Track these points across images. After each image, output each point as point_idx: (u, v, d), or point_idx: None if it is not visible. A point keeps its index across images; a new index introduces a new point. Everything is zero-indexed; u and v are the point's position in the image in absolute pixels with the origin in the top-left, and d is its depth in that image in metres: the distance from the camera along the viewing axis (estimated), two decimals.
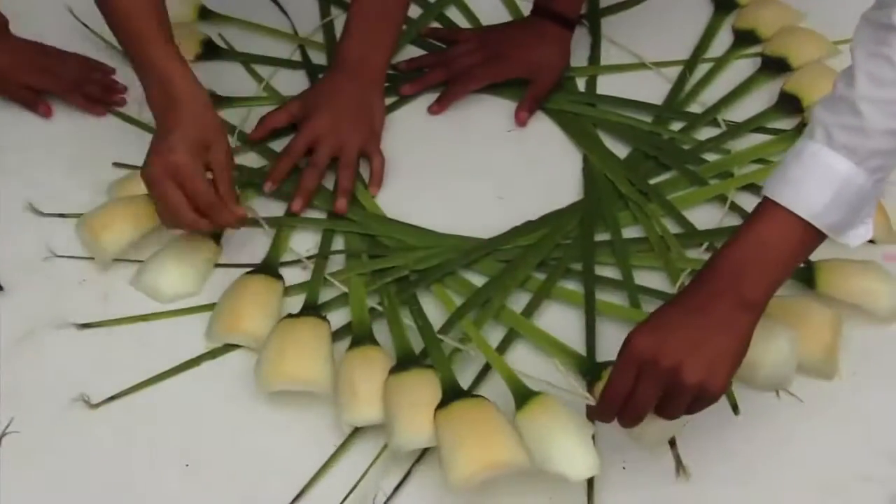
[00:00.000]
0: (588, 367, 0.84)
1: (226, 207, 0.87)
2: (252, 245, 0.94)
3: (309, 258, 0.93)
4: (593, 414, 0.75)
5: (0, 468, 0.80)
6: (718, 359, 0.70)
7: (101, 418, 0.83)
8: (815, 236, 0.70)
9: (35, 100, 1.03)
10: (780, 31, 1.09)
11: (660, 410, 0.72)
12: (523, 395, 0.80)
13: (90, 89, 1.04)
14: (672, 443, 0.80)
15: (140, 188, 0.94)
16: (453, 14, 1.15)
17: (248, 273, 0.91)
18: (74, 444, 0.82)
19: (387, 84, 1.06)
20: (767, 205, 0.71)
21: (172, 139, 0.85)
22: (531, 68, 1.05)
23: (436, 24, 1.14)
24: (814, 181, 0.69)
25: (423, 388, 0.81)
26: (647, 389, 0.70)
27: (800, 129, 1.01)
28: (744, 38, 1.11)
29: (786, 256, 0.71)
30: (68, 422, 0.83)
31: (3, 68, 1.02)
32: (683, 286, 0.88)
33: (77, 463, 0.81)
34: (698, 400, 0.71)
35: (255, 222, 0.95)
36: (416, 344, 0.86)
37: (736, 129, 1.03)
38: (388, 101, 1.06)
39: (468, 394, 0.81)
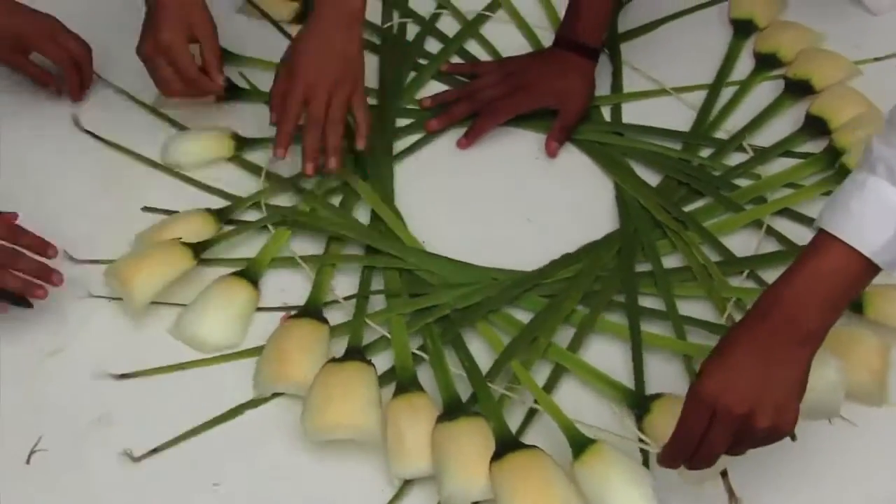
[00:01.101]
0: (637, 401, 0.84)
1: (207, 78, 0.99)
2: (291, 286, 0.94)
3: (346, 298, 0.93)
4: (663, 460, 0.74)
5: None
6: (786, 397, 0.70)
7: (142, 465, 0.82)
8: (873, 270, 0.71)
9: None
10: (801, 54, 1.09)
11: (728, 450, 0.72)
12: (579, 443, 0.79)
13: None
14: (724, 474, 0.80)
15: (167, 234, 0.94)
16: (472, 48, 1.15)
17: (291, 317, 0.90)
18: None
19: (412, 120, 1.06)
20: (825, 238, 0.71)
21: (157, 19, 0.95)
22: (558, 98, 1.05)
23: (456, 60, 1.13)
24: (876, 218, 0.69)
25: (473, 437, 0.80)
26: (720, 436, 0.70)
27: (828, 152, 1.02)
28: (765, 62, 1.11)
29: (844, 290, 0.71)
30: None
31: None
32: (731, 316, 0.89)
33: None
34: (767, 438, 0.71)
35: (293, 261, 0.95)
36: (461, 385, 0.86)
37: (765, 154, 1.03)
38: (415, 137, 1.06)
39: (521, 443, 0.80)
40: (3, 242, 0.85)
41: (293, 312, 0.91)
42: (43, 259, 0.87)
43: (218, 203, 1.00)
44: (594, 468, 0.77)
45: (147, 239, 0.95)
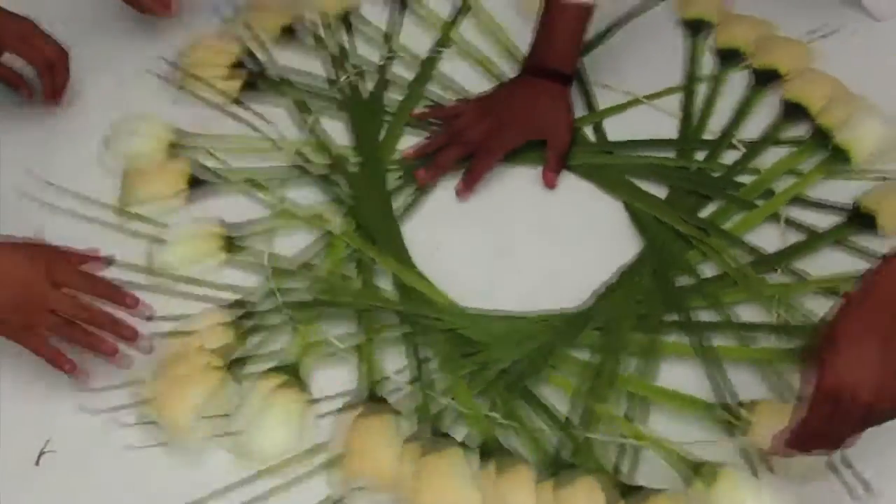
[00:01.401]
0: (728, 412, 0.84)
1: (160, 5, 1.08)
2: (336, 372, 0.89)
3: (398, 373, 0.88)
4: (780, 448, 0.74)
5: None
6: None
7: None
8: None
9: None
10: (759, 44, 1.12)
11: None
12: (694, 470, 0.78)
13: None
14: (848, 464, 0.80)
15: (187, 348, 0.87)
16: (434, 89, 1.11)
17: (353, 408, 0.85)
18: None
19: (401, 175, 1.03)
20: None
21: None
22: (544, 128, 1.03)
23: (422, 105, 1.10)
24: None
25: (588, 494, 0.78)
26: (847, 423, 0.71)
27: (817, 135, 1.04)
28: (728, 57, 1.13)
29: None
30: None
31: None
32: (781, 315, 0.90)
33: None
34: (890, 418, 0.72)
35: (331, 347, 0.90)
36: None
37: (756, 147, 1.04)
38: (410, 192, 1.02)
39: (638, 487, 0.79)
40: (78, 293, 0.79)
41: None
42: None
43: (227, 303, 0.93)
44: (724, 492, 0.76)
45: (167, 358, 0.87)
